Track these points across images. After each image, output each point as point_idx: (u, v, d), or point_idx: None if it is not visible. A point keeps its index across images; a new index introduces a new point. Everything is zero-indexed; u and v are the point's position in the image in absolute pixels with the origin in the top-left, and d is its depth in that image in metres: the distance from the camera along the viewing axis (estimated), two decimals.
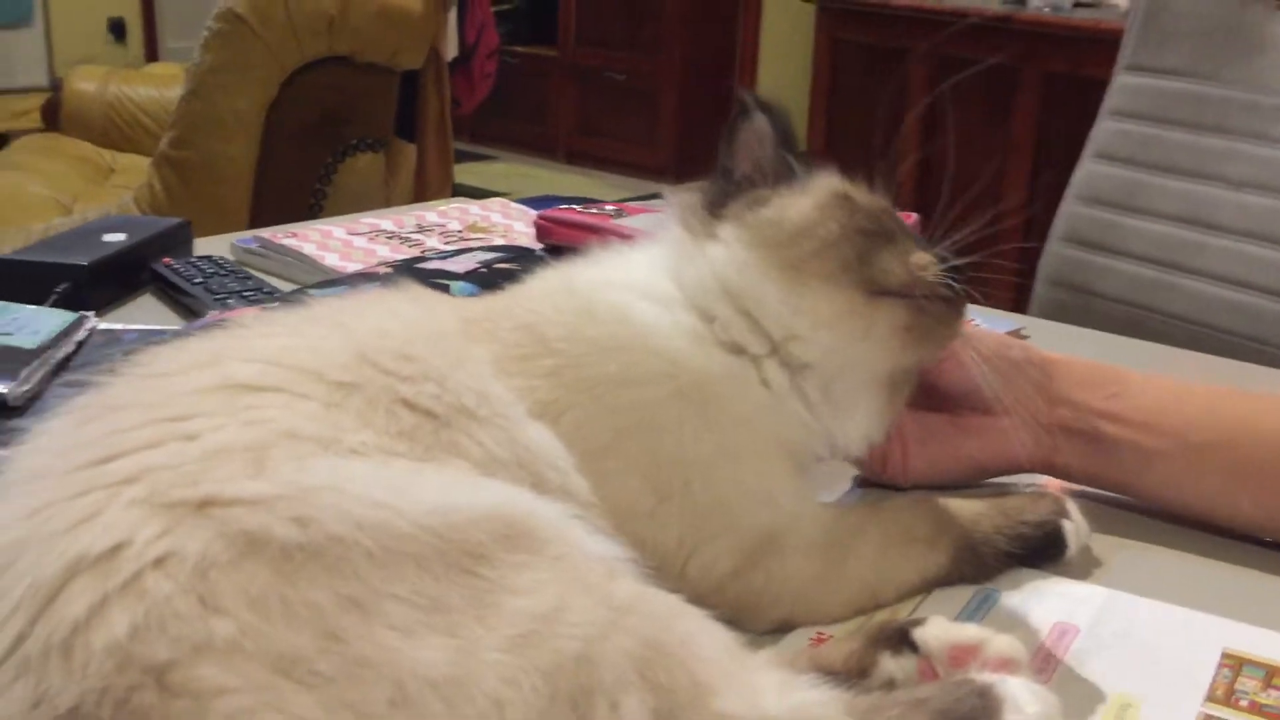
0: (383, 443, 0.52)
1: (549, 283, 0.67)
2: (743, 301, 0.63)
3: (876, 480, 0.77)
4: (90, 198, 3.05)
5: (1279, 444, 0.72)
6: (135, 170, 2.99)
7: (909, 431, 0.76)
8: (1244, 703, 0.58)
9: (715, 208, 0.66)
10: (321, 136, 2.31)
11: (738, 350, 0.63)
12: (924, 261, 0.65)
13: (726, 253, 0.64)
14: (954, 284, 0.65)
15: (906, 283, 0.64)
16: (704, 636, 0.50)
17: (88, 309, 0.99)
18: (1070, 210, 1.45)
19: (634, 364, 0.60)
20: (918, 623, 0.56)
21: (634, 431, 0.60)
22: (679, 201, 0.68)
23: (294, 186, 2.29)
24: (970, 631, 0.56)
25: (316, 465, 0.49)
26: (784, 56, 5.40)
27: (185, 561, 0.44)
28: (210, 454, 0.48)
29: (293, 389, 0.52)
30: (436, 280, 0.92)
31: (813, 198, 0.65)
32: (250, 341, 0.58)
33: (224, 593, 0.43)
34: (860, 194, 0.67)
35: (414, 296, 0.64)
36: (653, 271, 0.65)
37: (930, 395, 0.75)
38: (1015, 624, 0.63)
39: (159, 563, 0.44)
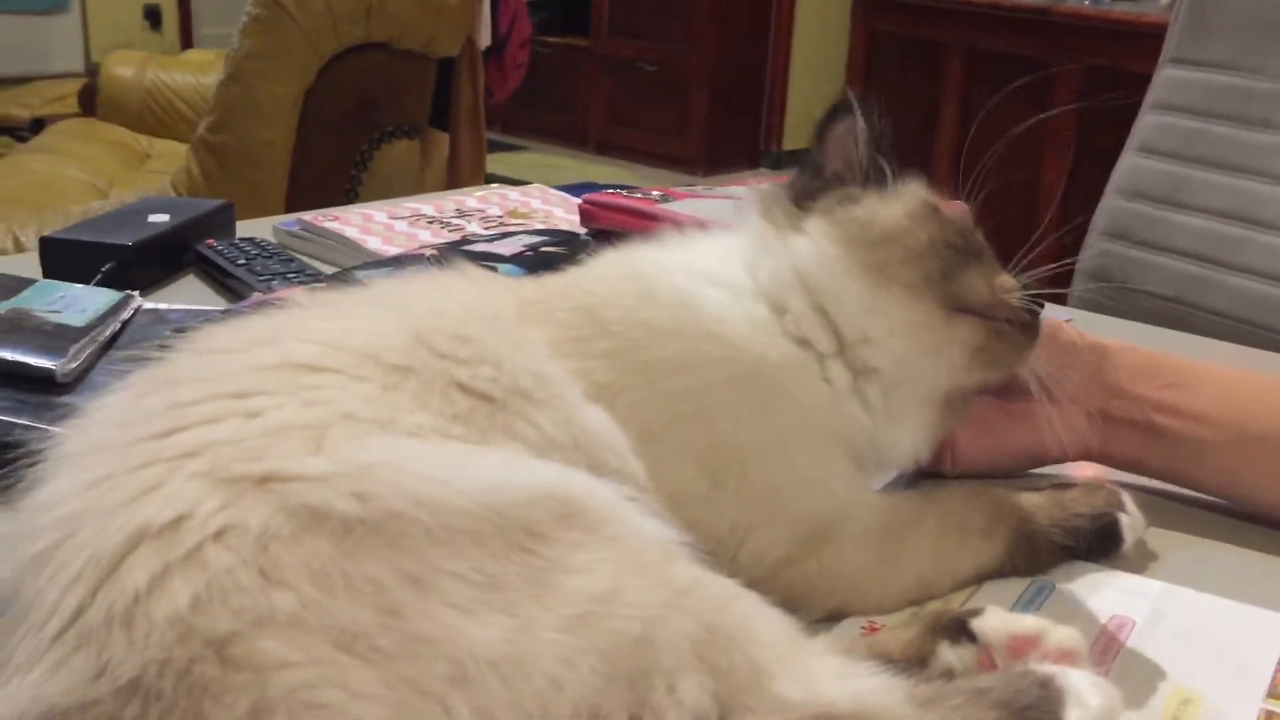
0: (439, 424, 0.52)
1: (611, 265, 0.66)
2: (820, 297, 0.63)
3: (926, 469, 0.76)
4: (126, 182, 3.07)
5: None
6: (171, 156, 3.01)
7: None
8: None
9: (803, 201, 0.65)
10: (358, 123, 2.32)
11: (804, 344, 0.63)
12: (1009, 285, 0.65)
13: (811, 246, 0.64)
14: (1035, 310, 0.65)
15: (989, 303, 0.64)
16: (762, 621, 0.50)
17: (133, 289, 1.00)
18: (1111, 204, 1.44)
19: (691, 348, 0.60)
20: (975, 612, 0.56)
21: (689, 417, 0.59)
22: (762, 192, 0.68)
23: (330, 172, 2.30)
24: (1030, 622, 0.55)
25: (374, 444, 0.49)
26: (819, 48, 5.38)
27: (247, 534, 0.44)
28: (271, 431, 0.48)
29: (350, 371, 0.53)
30: (483, 263, 0.92)
31: (904, 205, 0.65)
32: (308, 322, 0.58)
33: (285, 566, 0.43)
34: (949, 209, 0.67)
35: (469, 276, 0.64)
36: (725, 260, 0.65)
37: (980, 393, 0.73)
38: (1071, 616, 0.62)
39: (220, 535, 0.44)
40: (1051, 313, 1.11)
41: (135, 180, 3.09)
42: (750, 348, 0.61)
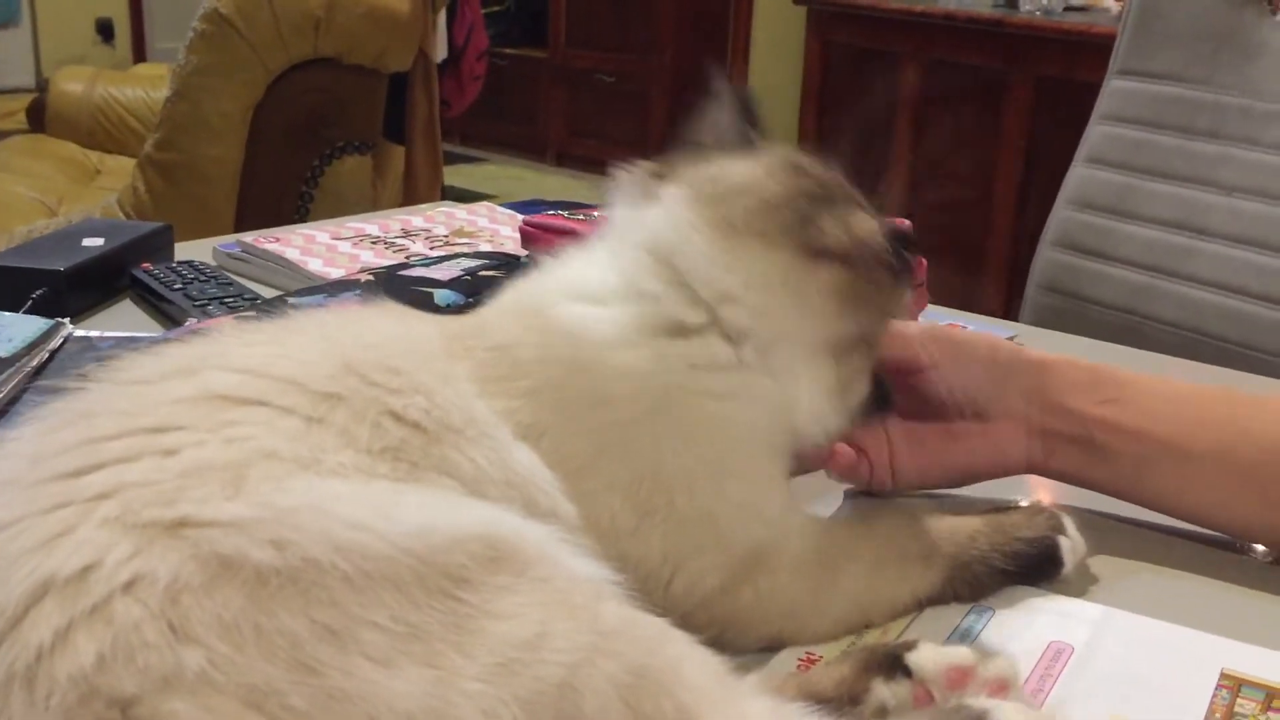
0: (365, 462, 0.50)
1: (515, 298, 0.65)
2: (675, 265, 0.61)
3: (864, 488, 0.75)
4: (75, 199, 3.02)
5: (1271, 450, 0.70)
6: (121, 172, 2.96)
7: (897, 438, 0.74)
8: None
9: (662, 173, 0.64)
10: (308, 139, 2.29)
11: (683, 331, 0.60)
12: (866, 226, 0.63)
13: (663, 212, 0.62)
14: (899, 252, 0.63)
15: (845, 245, 0.62)
16: (692, 663, 0.49)
17: (65, 315, 0.98)
18: (1062, 215, 1.45)
19: (601, 385, 0.59)
20: (909, 646, 0.55)
21: (612, 450, 0.58)
22: (624, 177, 0.66)
23: (280, 189, 2.27)
24: (963, 653, 0.54)
25: (295, 485, 0.47)
26: (775, 59, 5.40)
27: (156, 585, 0.42)
28: (187, 472, 0.46)
29: (275, 401, 0.51)
30: (420, 288, 0.90)
31: (762, 162, 0.64)
32: (231, 350, 0.56)
33: (195, 619, 0.42)
34: (813, 164, 0.65)
35: (394, 312, 0.63)
36: (590, 266, 0.63)
37: (920, 404, 0.73)
38: (1010, 643, 0.62)
39: (129, 586, 0.42)
40: (995, 330, 1.11)
41: (85, 197, 3.05)
42: (653, 379, 0.59)
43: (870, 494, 0.75)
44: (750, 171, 0.63)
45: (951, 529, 0.66)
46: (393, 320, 0.61)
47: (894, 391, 0.70)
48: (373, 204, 2.45)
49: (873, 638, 0.62)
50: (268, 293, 1.07)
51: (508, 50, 5.74)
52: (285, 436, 0.49)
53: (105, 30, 5.69)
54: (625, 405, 0.58)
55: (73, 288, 1.04)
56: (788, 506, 0.63)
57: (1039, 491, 0.83)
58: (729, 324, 0.61)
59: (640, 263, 0.61)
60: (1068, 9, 3.32)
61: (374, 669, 0.42)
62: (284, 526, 0.45)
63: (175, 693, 0.40)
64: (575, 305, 0.61)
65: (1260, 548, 0.74)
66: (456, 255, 1.04)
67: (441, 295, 0.89)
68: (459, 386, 0.56)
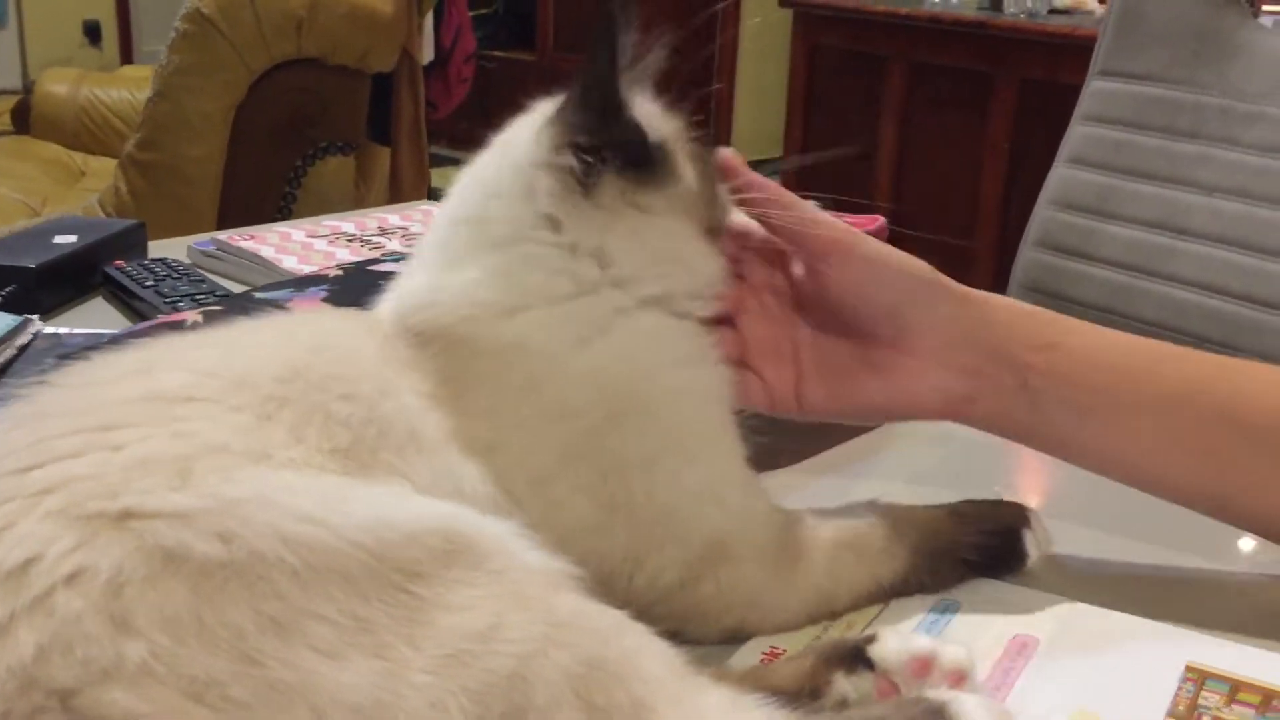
0: (317, 459, 0.50)
1: (430, 302, 0.61)
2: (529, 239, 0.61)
3: (768, 413, 0.68)
4: (60, 201, 3.01)
5: (1216, 414, 0.67)
6: (106, 173, 2.95)
7: (806, 359, 0.68)
8: (1206, 718, 0.56)
9: None
10: (290, 139, 2.29)
11: (589, 288, 0.60)
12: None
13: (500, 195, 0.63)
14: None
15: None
16: (647, 654, 0.48)
17: (36, 312, 0.97)
18: (1044, 215, 1.45)
19: (559, 398, 0.58)
20: (871, 639, 0.54)
21: (576, 456, 0.58)
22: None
23: (263, 189, 2.27)
24: (923, 643, 0.54)
25: (244, 477, 0.47)
26: (762, 61, 5.40)
27: (98, 578, 0.42)
28: (134, 465, 0.46)
29: (224, 400, 0.51)
30: (389, 282, 0.90)
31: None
32: (183, 352, 0.56)
33: (137, 612, 0.41)
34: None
35: (348, 318, 0.63)
36: (468, 268, 0.61)
37: (836, 315, 0.67)
38: (975, 636, 0.61)
39: (71, 579, 0.42)
40: None
41: (69, 199, 3.04)
42: (615, 382, 0.58)
43: (773, 422, 0.68)
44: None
45: (914, 518, 0.66)
46: (345, 326, 0.61)
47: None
48: (356, 205, 2.44)
49: (838, 631, 0.61)
50: (241, 290, 1.07)
51: (496, 53, 5.73)
52: (235, 431, 0.49)
53: (93, 32, 5.66)
54: (585, 415, 0.58)
55: (44, 285, 1.03)
56: (750, 490, 0.62)
57: (1011, 488, 0.83)
58: (585, 253, 0.60)
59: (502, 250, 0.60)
60: (1052, 11, 3.34)
61: (320, 661, 0.42)
62: (231, 518, 0.44)
63: (115, 684, 0.40)
64: (490, 310, 0.59)
65: (1248, 544, 0.73)
66: None
67: None
68: (402, 400, 0.55)
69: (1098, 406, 0.67)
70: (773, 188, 0.66)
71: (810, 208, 0.67)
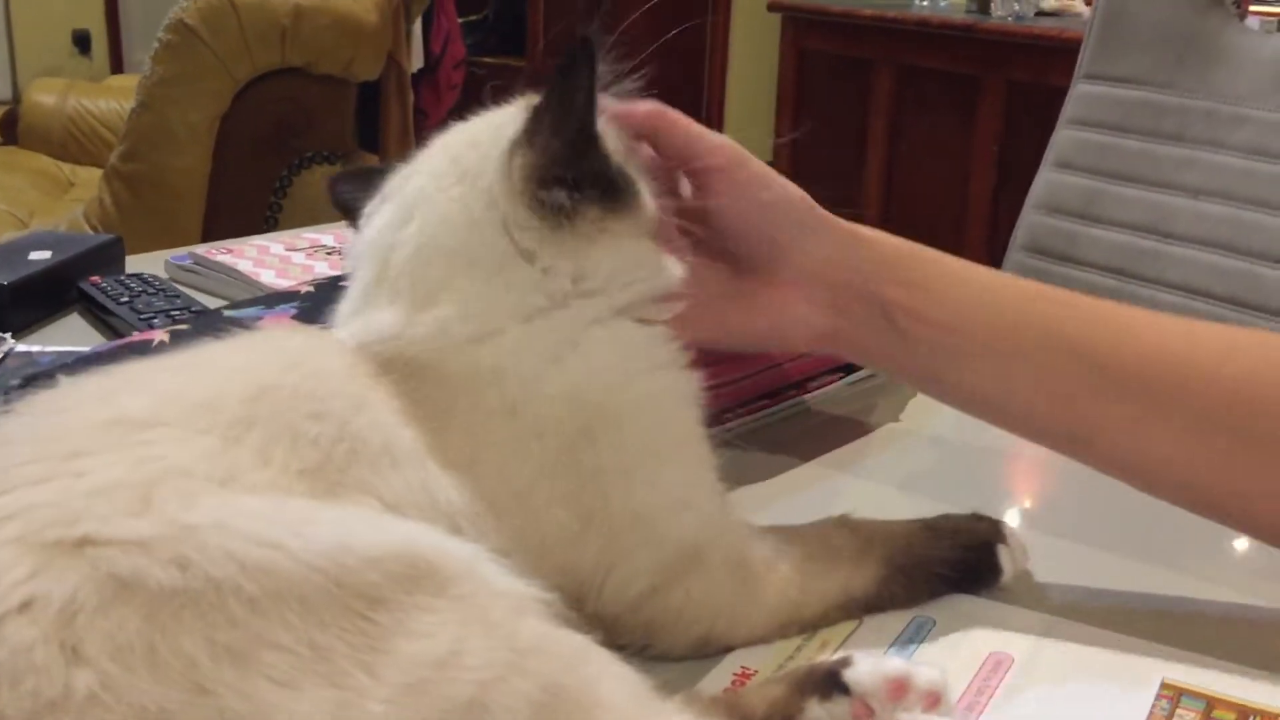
0: (282, 481, 0.49)
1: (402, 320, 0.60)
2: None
3: None
4: (47, 212, 3.01)
5: (1078, 357, 0.66)
6: (94, 184, 2.94)
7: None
8: None
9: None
10: (276, 149, 2.28)
11: (561, 303, 0.59)
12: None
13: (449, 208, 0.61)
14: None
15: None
16: (611, 680, 0.48)
17: (8, 329, 0.96)
18: (1030, 219, 1.45)
19: (533, 418, 0.57)
20: (845, 663, 0.54)
21: (555, 471, 0.57)
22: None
23: (248, 200, 2.26)
24: (897, 664, 0.53)
25: (206, 502, 0.46)
26: (752, 66, 5.40)
27: (50, 606, 0.41)
28: (95, 491, 0.45)
29: (189, 424, 0.50)
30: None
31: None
32: (149, 375, 0.56)
33: (89, 641, 0.41)
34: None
35: (314, 335, 0.62)
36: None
37: (716, 238, 0.68)
38: (951, 653, 0.61)
39: (25, 607, 0.41)
40: None
41: (56, 210, 3.03)
42: (587, 394, 0.58)
43: None
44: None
45: (887, 531, 0.65)
46: (313, 344, 0.60)
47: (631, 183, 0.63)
48: None
49: (811, 651, 0.61)
50: (218, 305, 1.06)
51: (486, 59, 5.72)
52: (199, 455, 0.49)
53: (82, 41, 5.65)
54: (563, 429, 0.57)
55: (17, 301, 1.02)
56: (720, 500, 0.62)
57: (1007, 493, 0.83)
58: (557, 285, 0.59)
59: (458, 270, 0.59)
60: (1039, 14, 3.34)
61: (274, 690, 0.41)
62: (188, 545, 0.43)
63: (63, 714, 0.39)
64: (462, 339, 0.58)
65: (1230, 546, 0.73)
66: None
67: None
68: (377, 415, 0.55)
69: (967, 350, 0.67)
70: (660, 108, 0.66)
71: (699, 127, 0.68)
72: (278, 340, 0.61)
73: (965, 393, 0.70)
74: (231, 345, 0.59)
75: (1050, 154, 1.45)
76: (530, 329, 0.58)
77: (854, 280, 0.68)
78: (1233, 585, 0.70)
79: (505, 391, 0.57)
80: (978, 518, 0.68)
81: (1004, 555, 0.65)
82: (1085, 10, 3.25)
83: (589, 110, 0.61)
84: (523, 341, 0.58)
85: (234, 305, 0.88)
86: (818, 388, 0.91)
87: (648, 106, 0.66)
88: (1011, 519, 0.70)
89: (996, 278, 0.70)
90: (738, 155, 0.67)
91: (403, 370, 0.57)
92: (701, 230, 0.68)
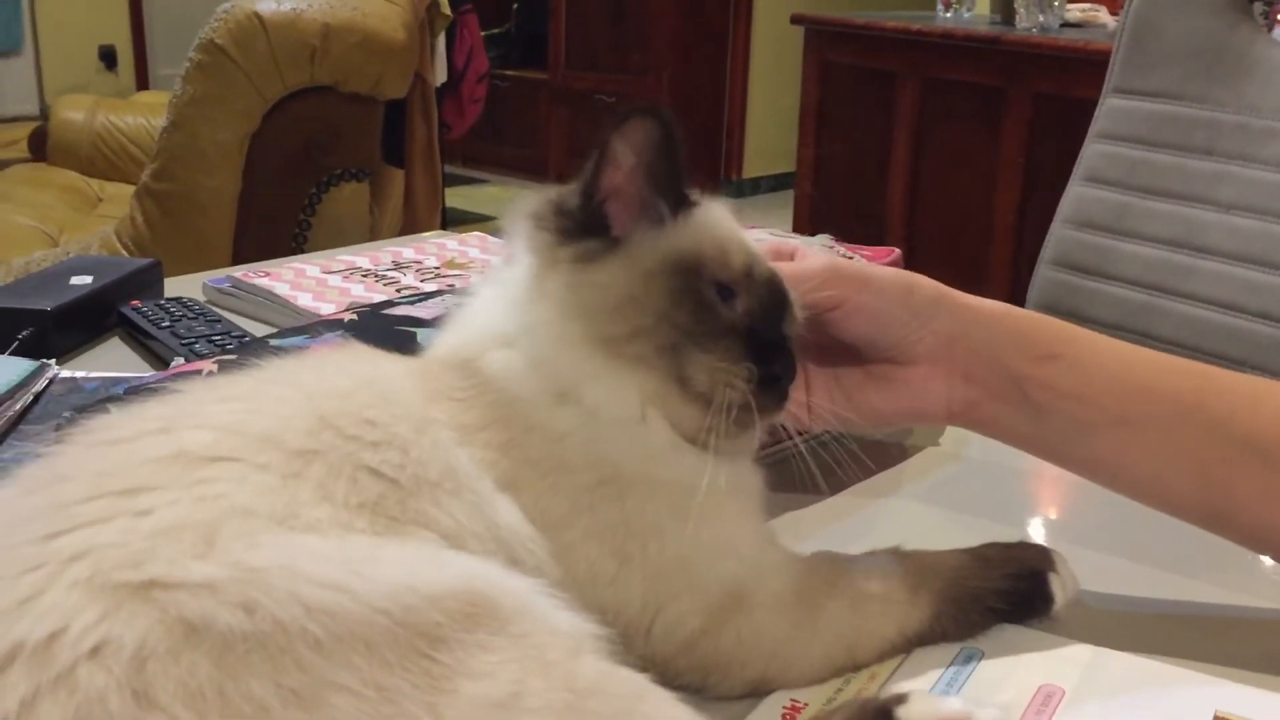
0: (343, 516, 0.50)
1: (454, 341, 0.64)
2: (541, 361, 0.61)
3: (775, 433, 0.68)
4: (77, 228, 3.03)
5: (1216, 428, 0.67)
6: (122, 200, 2.97)
7: (814, 377, 0.72)
8: None
9: (564, 237, 0.63)
10: (305, 167, 2.29)
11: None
12: (731, 375, 0.60)
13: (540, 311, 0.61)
14: (757, 402, 0.60)
15: (708, 392, 0.60)
16: (668, 718, 0.48)
17: (52, 355, 0.97)
18: (1059, 234, 1.44)
19: (555, 450, 0.58)
20: (900, 699, 0.53)
21: (582, 506, 0.58)
22: (531, 214, 0.65)
23: (278, 217, 2.27)
24: (954, 705, 0.53)
25: (268, 543, 0.47)
26: (774, 78, 5.41)
27: (122, 652, 0.42)
28: (159, 532, 0.46)
29: (250, 458, 0.50)
30: (403, 327, 0.90)
31: (643, 266, 0.61)
32: (206, 407, 0.55)
33: (160, 687, 0.41)
34: (717, 257, 0.62)
35: (367, 357, 0.62)
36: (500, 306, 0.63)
37: (839, 349, 0.71)
38: (1000, 685, 0.61)
39: (95, 652, 0.42)
40: None
41: (86, 226, 3.06)
42: (611, 452, 0.59)
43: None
44: (630, 285, 0.60)
45: (937, 564, 0.65)
46: (368, 366, 0.61)
47: (790, 366, 0.63)
48: (371, 229, 2.45)
49: (860, 683, 0.61)
50: (257, 328, 1.07)
51: (508, 72, 5.76)
52: (260, 492, 0.49)
53: (108, 57, 5.71)
54: (581, 472, 0.58)
55: (60, 327, 1.04)
56: (764, 541, 0.62)
57: (1034, 529, 0.83)
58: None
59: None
60: (1064, 26, 3.33)
61: None
62: (253, 587, 0.44)
63: None
64: (497, 353, 0.60)
65: (1268, 560, 0.73)
66: (442, 292, 1.03)
67: (425, 335, 0.88)
68: (436, 435, 0.55)
69: (1098, 421, 0.68)
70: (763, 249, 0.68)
71: (791, 265, 0.69)
72: (340, 363, 0.61)
73: (1100, 467, 0.71)
74: (292, 370, 0.60)
75: (1079, 168, 1.44)
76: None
77: (983, 353, 0.70)
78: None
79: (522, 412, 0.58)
80: (1026, 545, 0.67)
81: (1055, 583, 0.65)
82: (1110, 22, 3.23)
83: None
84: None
85: (280, 334, 0.89)
86: None
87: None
88: (1055, 541, 0.69)
89: (1126, 348, 0.71)
90: (842, 283, 0.70)
91: (458, 373, 0.59)
92: (825, 344, 0.71)
